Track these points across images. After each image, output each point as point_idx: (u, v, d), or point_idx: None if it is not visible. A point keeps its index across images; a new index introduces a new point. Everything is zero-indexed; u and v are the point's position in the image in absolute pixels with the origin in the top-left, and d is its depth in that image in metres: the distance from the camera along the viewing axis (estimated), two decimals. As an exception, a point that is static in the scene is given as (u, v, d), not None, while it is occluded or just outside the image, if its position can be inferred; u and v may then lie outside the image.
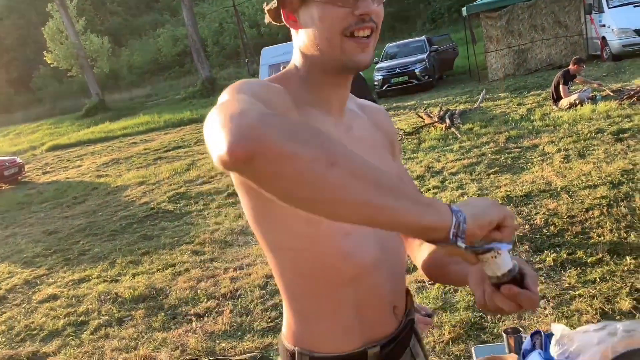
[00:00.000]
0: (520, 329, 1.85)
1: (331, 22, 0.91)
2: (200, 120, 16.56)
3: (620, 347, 1.29)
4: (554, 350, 1.31)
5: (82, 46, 28.98)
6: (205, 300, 4.25)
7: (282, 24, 1.03)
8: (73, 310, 4.57)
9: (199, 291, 4.42)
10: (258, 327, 3.68)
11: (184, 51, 34.07)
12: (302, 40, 0.98)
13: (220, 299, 4.24)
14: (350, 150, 0.70)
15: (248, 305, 4.02)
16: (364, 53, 0.94)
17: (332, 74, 1.00)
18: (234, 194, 6.79)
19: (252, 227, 1.03)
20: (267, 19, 1.07)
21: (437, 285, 3.63)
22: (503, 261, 0.77)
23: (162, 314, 4.15)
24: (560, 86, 8.71)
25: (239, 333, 3.68)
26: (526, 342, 1.37)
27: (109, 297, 4.69)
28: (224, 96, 0.83)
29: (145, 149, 13.26)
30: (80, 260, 5.91)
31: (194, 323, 3.91)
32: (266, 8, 1.01)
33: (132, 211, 7.60)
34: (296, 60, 1.03)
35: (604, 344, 1.29)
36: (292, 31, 1.01)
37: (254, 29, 31.62)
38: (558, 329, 1.36)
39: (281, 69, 1.17)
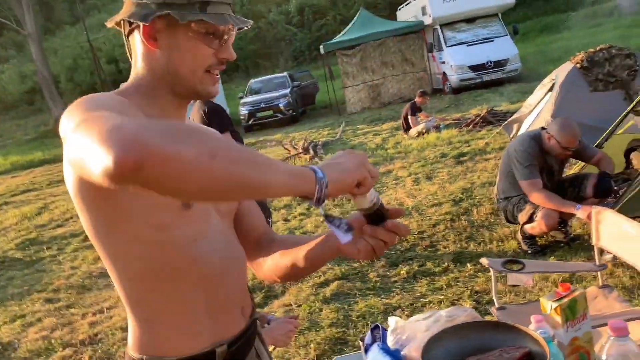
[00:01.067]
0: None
1: (200, 58, 1.01)
2: (53, 160, 15.37)
3: (443, 330, 1.46)
4: (390, 340, 1.45)
5: None
6: (61, 349, 3.92)
7: (116, 28, 1.05)
8: None
9: (53, 340, 4.08)
10: (121, 370, 3.49)
11: (33, 88, 31.56)
12: (158, 61, 1.01)
13: (79, 345, 3.94)
14: (224, 140, 0.79)
15: (110, 349, 3.79)
16: (214, 86, 1.07)
17: (180, 97, 1.07)
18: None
19: (94, 242, 1.03)
20: (111, 23, 1.05)
21: (303, 306, 3.74)
22: (369, 196, 0.97)
23: (10, 370, 3.77)
24: (409, 117, 9.53)
25: (100, 379, 3.46)
26: (367, 337, 1.49)
27: (-57, 359, 4.14)
28: (77, 115, 0.82)
29: (-12, 195, 11.98)
30: None
31: (47, 375, 3.60)
32: (127, 17, 0.99)
33: (-28, 263, 6.80)
34: (142, 76, 1.04)
35: (430, 330, 1.46)
36: (140, 46, 1.02)
37: (112, 64, 30.31)
38: (393, 321, 1.51)
39: None
